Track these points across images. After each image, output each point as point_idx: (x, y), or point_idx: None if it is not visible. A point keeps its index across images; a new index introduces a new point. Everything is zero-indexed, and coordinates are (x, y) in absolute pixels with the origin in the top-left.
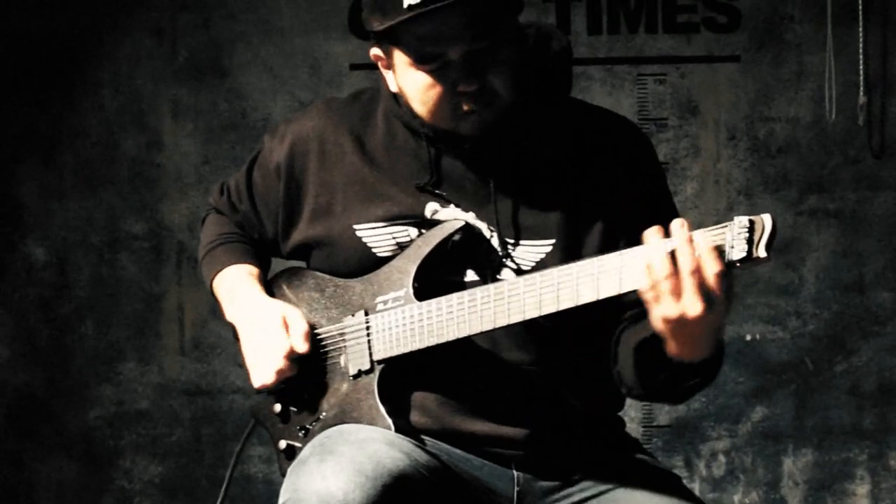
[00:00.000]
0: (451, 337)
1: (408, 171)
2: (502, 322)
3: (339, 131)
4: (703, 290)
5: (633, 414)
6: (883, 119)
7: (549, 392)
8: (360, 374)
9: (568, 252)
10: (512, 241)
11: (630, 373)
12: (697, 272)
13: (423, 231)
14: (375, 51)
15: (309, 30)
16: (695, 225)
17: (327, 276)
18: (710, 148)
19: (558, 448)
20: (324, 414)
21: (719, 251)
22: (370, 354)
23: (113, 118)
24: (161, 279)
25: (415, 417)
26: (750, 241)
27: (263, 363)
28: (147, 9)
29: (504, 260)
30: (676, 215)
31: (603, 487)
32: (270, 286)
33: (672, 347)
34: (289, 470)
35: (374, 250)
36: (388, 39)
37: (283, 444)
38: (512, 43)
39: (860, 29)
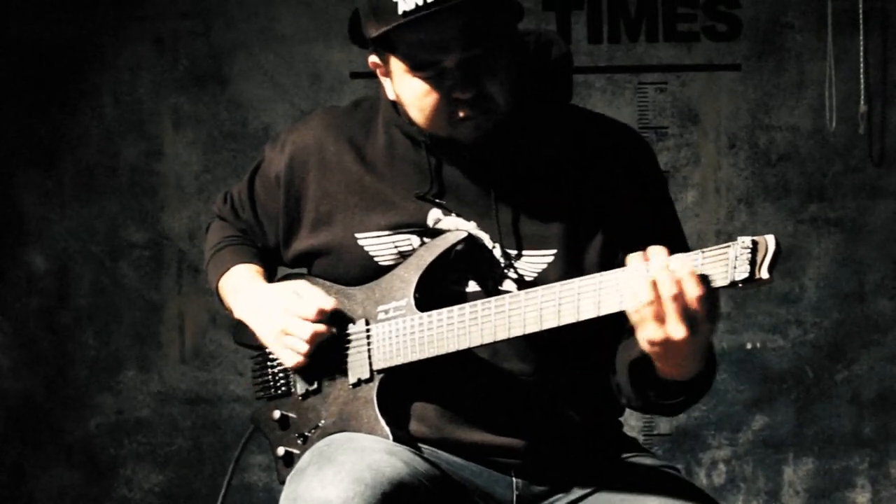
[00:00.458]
0: (451, 349)
1: (408, 180)
2: (503, 335)
3: (339, 140)
4: (686, 314)
5: (633, 423)
6: (883, 128)
7: (547, 402)
8: (359, 382)
9: (570, 262)
10: (514, 251)
11: (627, 386)
12: (678, 298)
13: (426, 239)
14: (373, 58)
15: (309, 38)
16: (695, 234)
17: (329, 284)
18: (711, 156)
19: (557, 458)
20: (323, 422)
21: (700, 275)
22: (370, 364)
23: (113, 127)
24: (161, 288)
25: (414, 427)
26: (752, 262)
27: (293, 336)
28: (147, 17)
29: (506, 271)
30: (678, 223)
31: (600, 492)
32: None
33: (660, 366)
34: (288, 478)
35: (375, 259)
36: (384, 46)
37: (281, 450)
38: (509, 50)
39: (861, 38)
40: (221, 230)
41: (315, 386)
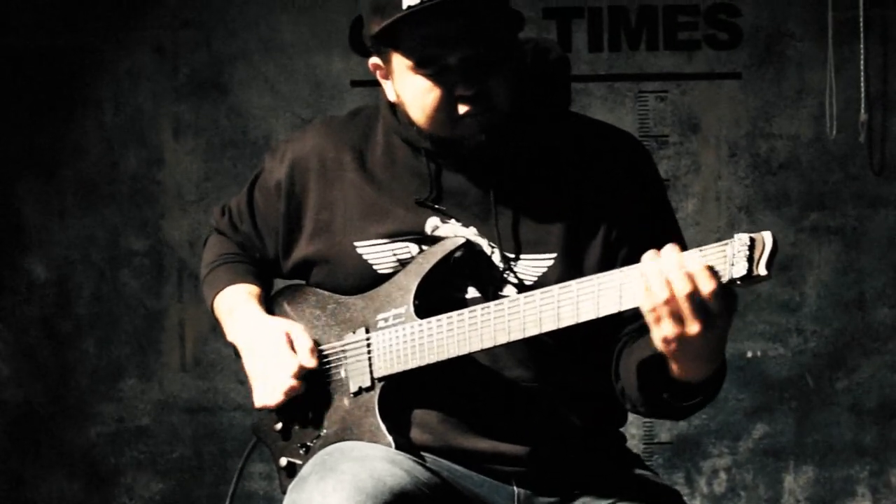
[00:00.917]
0: (451, 354)
1: (408, 187)
2: (502, 339)
3: (338, 149)
4: (701, 310)
5: (633, 431)
6: (884, 136)
7: (549, 409)
8: (360, 391)
9: (570, 265)
10: (513, 255)
11: (633, 390)
12: (693, 294)
13: (424, 247)
14: (374, 60)
15: (310, 47)
16: (695, 242)
17: (328, 293)
18: (711, 165)
19: (558, 464)
20: (325, 431)
21: (713, 270)
22: (371, 372)
23: (114, 135)
24: (162, 296)
25: (415, 434)
26: (750, 259)
27: (270, 382)
28: (148, 26)
29: (505, 275)
30: (677, 227)
31: (602, 502)
32: (271, 304)
33: (674, 367)
34: (289, 487)
35: (374, 267)
36: (387, 43)
37: (283, 461)
38: (510, 52)
39: (861, 46)
40: (218, 246)
41: (316, 396)
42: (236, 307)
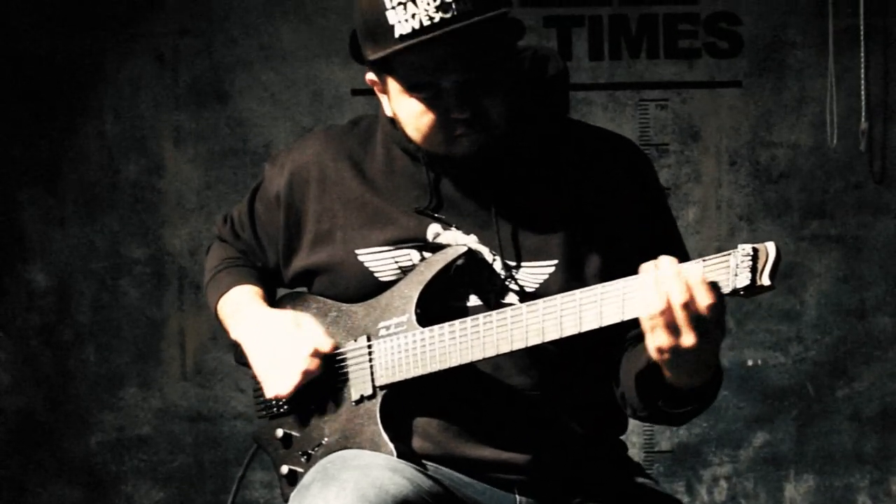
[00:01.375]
0: (454, 363)
1: (408, 196)
2: (505, 348)
3: (338, 158)
4: (696, 322)
5: (634, 439)
6: (884, 144)
7: (551, 417)
8: (362, 399)
9: (570, 273)
10: (514, 263)
11: (633, 396)
12: (689, 305)
13: (426, 254)
14: (371, 76)
15: (310, 55)
16: (696, 251)
17: (330, 301)
18: (712, 173)
19: (560, 472)
20: (326, 439)
21: (711, 283)
22: (372, 380)
23: (114, 143)
24: (163, 304)
25: (417, 443)
26: (753, 270)
27: (284, 369)
28: (148, 34)
29: (507, 283)
30: (678, 234)
31: None
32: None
33: (668, 375)
34: (291, 496)
35: (376, 275)
36: (382, 68)
37: (285, 469)
38: (507, 70)
39: (862, 55)
40: (221, 252)
41: (317, 404)
42: (241, 307)
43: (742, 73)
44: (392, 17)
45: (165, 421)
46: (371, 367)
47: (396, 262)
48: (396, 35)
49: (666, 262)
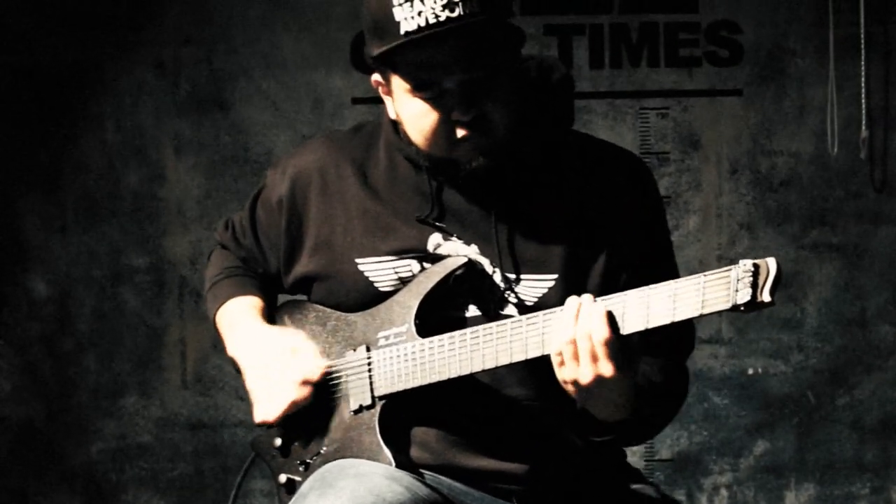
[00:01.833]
0: (452, 374)
1: (410, 204)
2: (504, 360)
3: (340, 164)
4: (595, 355)
5: (634, 448)
6: (885, 153)
7: (549, 427)
8: (361, 409)
9: (570, 287)
10: (514, 276)
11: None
12: (589, 338)
13: (426, 265)
14: (375, 77)
15: (311, 64)
16: (696, 259)
17: (329, 310)
18: (713, 182)
19: (559, 482)
20: (324, 448)
21: (610, 317)
22: (371, 390)
23: (115, 152)
24: (163, 313)
25: (415, 453)
26: (754, 286)
27: (273, 395)
28: (149, 43)
29: (506, 295)
30: (670, 251)
31: None
32: (272, 320)
33: (582, 404)
34: None
35: (376, 284)
36: (386, 65)
37: (283, 477)
38: (511, 74)
39: (862, 63)
40: (222, 259)
41: (316, 413)
42: (238, 322)
43: (743, 82)
44: (399, 13)
45: (166, 429)
46: (370, 377)
47: (396, 272)
48: (402, 31)
49: (574, 300)
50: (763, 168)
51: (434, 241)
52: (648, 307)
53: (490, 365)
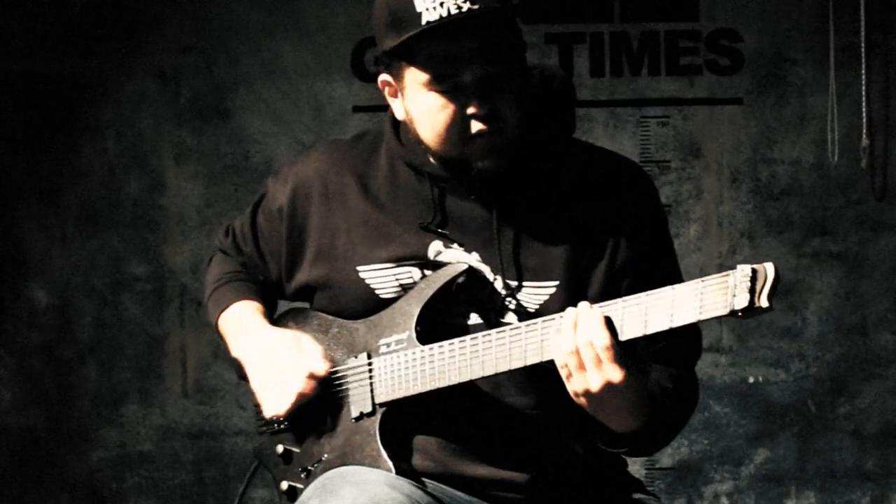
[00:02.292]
0: (453, 381)
1: (411, 212)
2: (504, 367)
3: (342, 172)
4: (600, 361)
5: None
6: (885, 161)
7: (550, 436)
8: (362, 416)
9: (571, 295)
10: (515, 283)
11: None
12: (591, 346)
13: (427, 272)
14: (384, 77)
15: (312, 72)
16: (697, 268)
17: (330, 317)
18: (713, 190)
19: (559, 491)
20: (326, 455)
21: (609, 322)
22: (372, 397)
23: (115, 160)
24: (164, 321)
25: (416, 461)
26: (752, 291)
27: (280, 388)
28: (150, 51)
29: (507, 303)
30: (674, 259)
31: None
32: (275, 324)
33: (597, 416)
34: None
35: (377, 292)
36: (402, 57)
37: (285, 485)
38: (521, 74)
39: (863, 72)
40: (223, 265)
41: (317, 420)
42: (242, 323)
43: (743, 90)
44: (420, 4)
45: (166, 438)
46: (371, 384)
47: (397, 280)
48: (423, 22)
49: (571, 310)
50: (764, 176)
51: (435, 248)
52: (646, 313)
53: (490, 372)
